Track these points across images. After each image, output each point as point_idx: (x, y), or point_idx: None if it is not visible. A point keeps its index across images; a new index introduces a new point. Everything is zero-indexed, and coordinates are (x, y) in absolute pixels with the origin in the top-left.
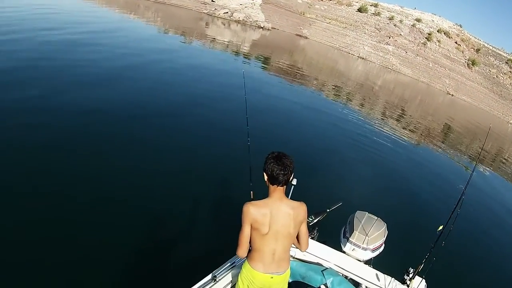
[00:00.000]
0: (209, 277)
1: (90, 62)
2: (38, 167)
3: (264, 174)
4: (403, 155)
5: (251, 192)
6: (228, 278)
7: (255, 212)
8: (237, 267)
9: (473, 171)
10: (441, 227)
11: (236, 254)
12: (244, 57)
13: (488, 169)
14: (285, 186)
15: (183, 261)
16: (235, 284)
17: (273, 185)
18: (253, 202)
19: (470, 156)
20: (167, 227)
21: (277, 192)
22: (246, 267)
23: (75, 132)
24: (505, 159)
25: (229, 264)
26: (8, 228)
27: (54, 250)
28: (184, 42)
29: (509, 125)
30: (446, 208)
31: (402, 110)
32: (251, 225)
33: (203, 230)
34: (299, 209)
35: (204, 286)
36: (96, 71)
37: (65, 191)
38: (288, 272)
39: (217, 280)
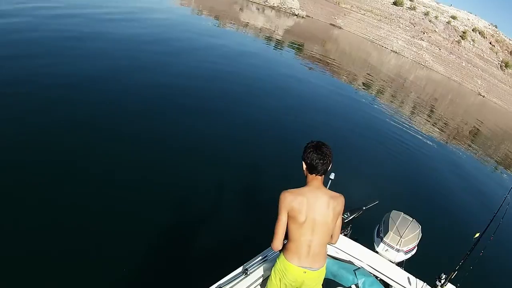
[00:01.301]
0: (239, 269)
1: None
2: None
3: (303, 163)
4: (439, 156)
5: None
6: (259, 271)
7: (292, 199)
8: (269, 261)
9: None
10: (477, 235)
11: (269, 247)
12: (277, 43)
13: None
14: (323, 176)
15: (213, 252)
16: (266, 278)
17: (311, 174)
18: (290, 190)
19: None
20: (198, 217)
21: (315, 181)
22: (281, 259)
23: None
24: None
25: (261, 257)
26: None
27: (80, 237)
28: (218, 26)
29: None
30: (485, 215)
31: (432, 108)
32: (287, 214)
33: (235, 221)
34: (338, 199)
35: (235, 279)
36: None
37: (100, 175)
38: (323, 270)
39: (248, 273)
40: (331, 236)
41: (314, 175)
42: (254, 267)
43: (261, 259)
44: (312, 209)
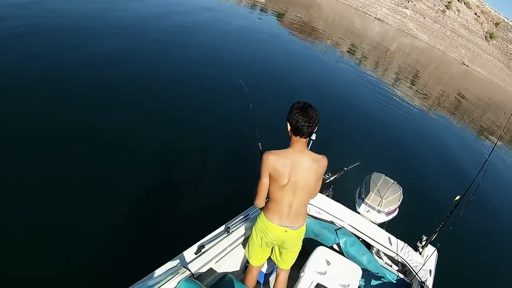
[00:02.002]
0: (222, 228)
1: None
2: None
3: (288, 124)
4: (422, 122)
5: (259, 143)
6: (241, 230)
7: (275, 161)
8: (250, 220)
9: (497, 141)
10: (458, 197)
11: (251, 206)
12: (261, 10)
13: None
14: (307, 138)
15: (196, 212)
16: (248, 236)
17: (295, 136)
18: (273, 151)
19: (490, 128)
20: (180, 181)
21: (299, 143)
22: (261, 218)
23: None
24: None
25: (242, 216)
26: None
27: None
28: None
29: None
30: (466, 178)
31: (416, 75)
32: (269, 175)
33: (215, 182)
34: (321, 162)
35: (217, 237)
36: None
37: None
38: (303, 228)
39: (230, 231)
40: None
41: (298, 137)
42: (236, 226)
43: (242, 218)
44: (294, 172)
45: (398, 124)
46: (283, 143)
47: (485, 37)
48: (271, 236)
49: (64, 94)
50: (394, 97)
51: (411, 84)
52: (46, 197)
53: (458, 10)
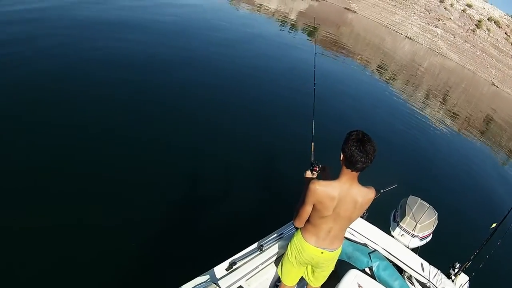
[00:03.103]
0: (255, 245)
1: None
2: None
3: (342, 153)
4: (455, 144)
5: (312, 143)
6: (274, 248)
7: (322, 194)
8: (284, 239)
9: None
10: (494, 225)
11: (285, 225)
12: (291, 26)
13: None
14: (359, 173)
15: (229, 228)
16: (281, 255)
17: (347, 168)
18: (322, 182)
19: None
20: (215, 195)
21: (349, 176)
22: (298, 237)
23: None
24: None
25: (276, 234)
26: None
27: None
28: (231, 6)
29: None
30: (503, 205)
31: (445, 95)
32: (314, 205)
33: (251, 199)
34: (368, 196)
35: (249, 254)
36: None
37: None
38: (339, 250)
39: (263, 249)
40: None
41: (350, 170)
42: (269, 244)
43: (276, 236)
44: (340, 206)
45: (433, 145)
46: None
47: None
48: (306, 256)
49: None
50: (426, 117)
51: (441, 105)
52: (79, 199)
53: (488, 29)
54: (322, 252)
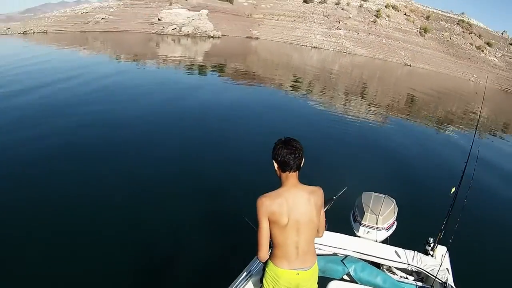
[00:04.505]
0: None
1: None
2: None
3: (274, 162)
4: (387, 131)
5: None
6: (249, 287)
7: (270, 203)
8: (254, 275)
9: (477, 123)
10: (453, 189)
11: (251, 261)
12: (200, 69)
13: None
14: (297, 172)
15: (196, 280)
16: None
17: (284, 172)
18: (265, 194)
19: (458, 116)
20: (171, 243)
21: (290, 179)
22: (269, 267)
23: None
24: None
25: (245, 273)
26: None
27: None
28: (138, 66)
29: (471, 82)
30: (456, 169)
31: (363, 89)
32: (268, 219)
33: (209, 245)
34: (318, 193)
35: None
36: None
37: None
38: (316, 267)
39: None
40: (317, 230)
41: (287, 172)
42: (241, 285)
43: (246, 275)
44: (293, 209)
45: (367, 140)
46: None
47: (420, 33)
48: (283, 283)
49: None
50: (352, 116)
51: (363, 99)
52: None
53: (388, 16)
54: (298, 274)
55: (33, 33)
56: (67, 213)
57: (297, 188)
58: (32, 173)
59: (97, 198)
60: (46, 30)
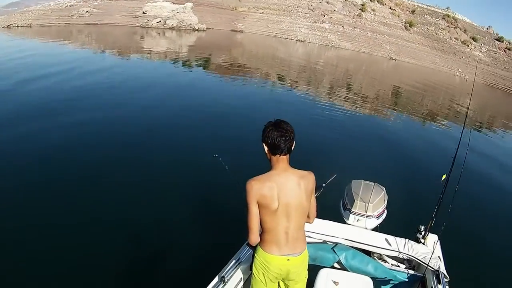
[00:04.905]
0: (216, 279)
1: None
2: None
3: (264, 145)
4: (377, 123)
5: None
6: (237, 275)
7: (260, 187)
8: (244, 262)
9: (467, 110)
10: (444, 176)
11: (240, 248)
12: (184, 63)
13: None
14: (288, 155)
15: (184, 268)
16: (246, 279)
17: (274, 155)
18: (255, 177)
19: (449, 107)
20: (161, 235)
21: (280, 162)
22: (259, 253)
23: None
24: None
25: (234, 261)
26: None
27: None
28: (122, 59)
29: (456, 77)
30: (445, 156)
31: (349, 83)
32: (258, 203)
33: (198, 233)
34: (308, 177)
35: None
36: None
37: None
38: (306, 253)
39: (226, 280)
40: (308, 215)
41: (278, 155)
42: (230, 273)
43: (235, 263)
44: (283, 193)
45: (355, 130)
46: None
47: (405, 27)
48: (273, 269)
49: None
50: (340, 107)
51: (348, 92)
52: None
53: (373, 10)
54: (288, 259)
55: (17, 26)
56: (55, 206)
57: (287, 172)
58: (18, 167)
59: (90, 188)
60: (31, 24)
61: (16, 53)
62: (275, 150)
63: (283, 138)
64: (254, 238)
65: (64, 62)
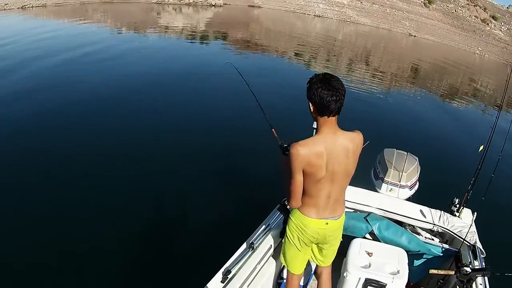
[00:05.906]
0: (244, 246)
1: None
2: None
3: (310, 104)
4: (404, 96)
5: (272, 130)
6: (267, 242)
7: (307, 154)
8: (273, 228)
9: (507, 84)
10: (481, 147)
11: (269, 215)
12: (201, 39)
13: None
14: (337, 116)
15: (213, 234)
16: (276, 247)
17: (322, 116)
18: (301, 142)
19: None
20: (187, 204)
21: (328, 124)
22: (296, 215)
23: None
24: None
25: (264, 227)
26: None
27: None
28: (139, 36)
29: (476, 55)
30: (482, 127)
31: (367, 58)
32: (303, 171)
33: (226, 199)
34: (357, 139)
35: (242, 257)
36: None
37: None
38: (343, 217)
39: (255, 247)
40: None
41: (326, 117)
42: (259, 240)
43: (264, 229)
44: (331, 161)
45: (385, 102)
46: (304, 129)
47: (424, 4)
48: (310, 233)
49: None
50: (362, 82)
51: (367, 67)
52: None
53: None
54: (327, 223)
55: (32, 7)
56: (70, 178)
57: (336, 135)
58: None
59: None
60: (45, 4)
61: (44, 33)
62: (324, 111)
63: (334, 98)
64: (296, 203)
65: (97, 42)
